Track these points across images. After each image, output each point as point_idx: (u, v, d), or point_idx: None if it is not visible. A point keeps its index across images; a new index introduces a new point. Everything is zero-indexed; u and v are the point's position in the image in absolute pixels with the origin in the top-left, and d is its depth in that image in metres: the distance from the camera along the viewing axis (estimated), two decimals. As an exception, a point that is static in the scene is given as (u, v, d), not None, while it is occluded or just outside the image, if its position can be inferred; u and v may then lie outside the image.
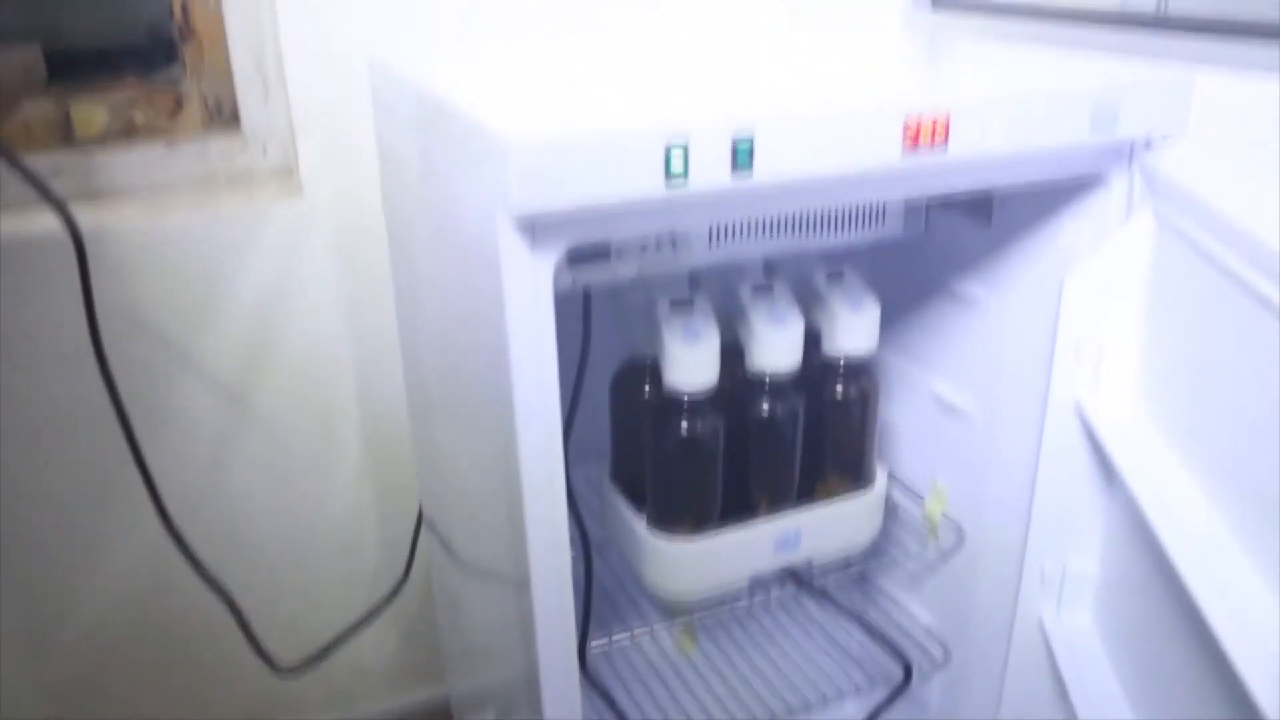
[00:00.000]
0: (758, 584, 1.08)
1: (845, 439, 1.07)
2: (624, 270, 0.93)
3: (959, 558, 1.13)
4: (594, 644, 1.01)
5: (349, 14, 1.18)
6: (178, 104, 1.24)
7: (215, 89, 1.25)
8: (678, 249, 0.95)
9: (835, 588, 1.26)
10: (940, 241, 1.08)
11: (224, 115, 1.26)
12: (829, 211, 1.00)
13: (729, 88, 0.84)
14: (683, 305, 0.96)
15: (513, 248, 0.70)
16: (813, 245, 1.02)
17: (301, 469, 1.34)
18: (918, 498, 1.18)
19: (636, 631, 1.06)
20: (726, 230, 0.97)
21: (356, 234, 1.25)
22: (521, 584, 0.83)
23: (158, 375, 1.23)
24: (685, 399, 0.95)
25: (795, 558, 1.06)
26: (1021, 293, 0.99)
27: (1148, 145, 0.85)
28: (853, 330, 1.01)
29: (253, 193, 1.24)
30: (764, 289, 1.00)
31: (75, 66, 1.21)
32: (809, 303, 1.02)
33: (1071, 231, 0.92)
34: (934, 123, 0.74)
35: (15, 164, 0.87)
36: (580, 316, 0.99)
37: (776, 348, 0.98)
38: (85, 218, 1.01)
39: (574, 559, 0.84)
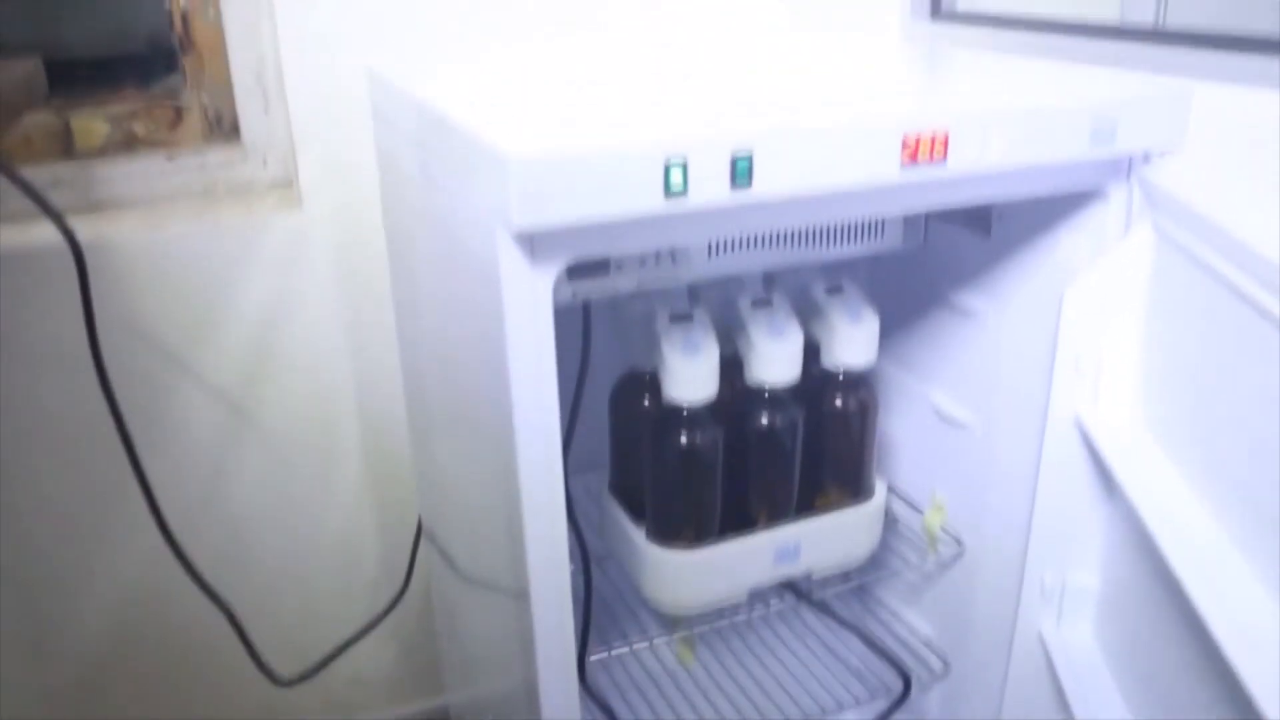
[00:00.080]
0: (757, 596, 1.08)
1: (844, 451, 1.07)
2: (624, 283, 0.93)
3: (958, 570, 1.13)
4: (593, 656, 1.01)
5: (349, 26, 1.18)
6: (178, 116, 1.24)
7: (215, 101, 1.25)
8: (677, 262, 0.95)
9: (834, 599, 1.26)
10: (939, 254, 1.08)
11: (224, 127, 1.26)
12: (828, 224, 1.00)
13: (728, 102, 0.84)
14: (682, 318, 0.96)
15: (512, 262, 0.70)
16: (812, 258, 1.02)
17: (301, 480, 1.34)
18: (917, 510, 1.18)
19: (636, 643, 1.06)
20: (726, 243, 0.97)
21: (356, 246, 1.25)
22: (521, 596, 0.83)
23: (157, 387, 1.23)
24: (685, 411, 0.95)
25: (795, 570, 1.06)
26: (1020, 305, 0.99)
27: (1146, 159, 0.85)
28: (852, 343, 1.01)
29: (253, 205, 1.24)
30: (763, 302, 1.00)
31: (75, 77, 1.22)
32: (808, 315, 1.02)
33: (1070, 244, 0.92)
34: (933, 138, 0.74)
35: (13, 176, 0.87)
36: (580, 329, 0.99)
37: (776, 360, 0.98)
38: (85, 229, 1.01)
39: (573, 571, 0.84)
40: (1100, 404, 0.89)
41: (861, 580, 1.20)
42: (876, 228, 1.04)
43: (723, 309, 1.01)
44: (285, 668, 1.24)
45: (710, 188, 0.70)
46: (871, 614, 1.28)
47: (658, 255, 0.94)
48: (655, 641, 1.09)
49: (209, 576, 1.11)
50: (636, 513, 1.04)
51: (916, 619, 1.22)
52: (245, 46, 1.23)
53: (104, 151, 1.22)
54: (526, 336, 0.72)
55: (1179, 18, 1.17)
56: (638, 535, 1.02)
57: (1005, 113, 0.78)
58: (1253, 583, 0.70)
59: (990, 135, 0.77)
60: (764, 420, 1.01)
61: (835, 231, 1.02)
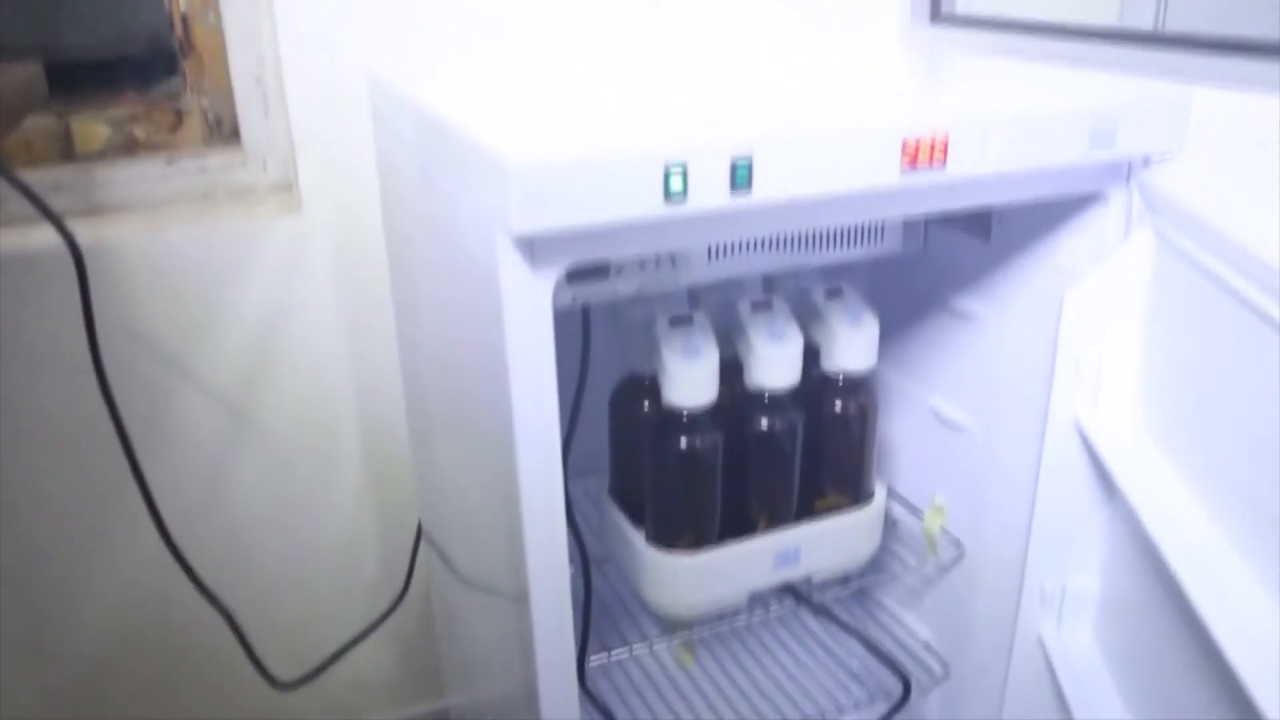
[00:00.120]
0: (757, 600, 1.08)
1: (844, 455, 1.07)
2: (623, 287, 0.93)
3: (958, 573, 1.13)
4: (593, 659, 1.01)
5: (349, 29, 1.19)
6: (178, 119, 1.24)
7: (215, 104, 1.25)
8: (677, 266, 0.95)
9: (834, 603, 1.26)
10: (939, 257, 1.08)
11: (224, 131, 1.26)
12: (828, 228, 1.00)
13: (727, 106, 0.84)
14: (682, 321, 0.96)
15: (512, 266, 0.70)
16: (812, 261, 1.02)
17: (301, 483, 1.34)
18: (917, 513, 1.18)
19: (635, 647, 1.06)
20: (725, 247, 0.97)
21: (356, 249, 1.25)
22: (520, 599, 0.83)
23: (157, 390, 1.23)
24: (684, 415, 0.95)
25: (794, 573, 1.06)
26: (1020, 308, 0.99)
27: (1146, 163, 0.85)
28: (851, 346, 1.01)
29: (253, 208, 1.25)
30: (763, 305, 1.00)
31: (76, 80, 1.22)
32: (808, 319, 1.02)
33: (1070, 248, 0.92)
34: (932, 143, 0.74)
35: (12, 180, 0.87)
36: (580, 332, 0.99)
37: (775, 364, 0.98)
38: (86, 233, 1.01)
39: (573, 574, 0.84)
40: (1100, 407, 0.89)
41: (861, 584, 1.20)
42: (876, 231, 1.04)
43: (722, 313, 1.01)
44: (285, 671, 1.24)
45: (710, 192, 0.70)
46: (871, 617, 1.28)
47: (657, 259, 0.94)
48: (655, 645, 1.09)
49: (208, 579, 1.11)
50: (636, 516, 1.04)
51: (916, 622, 1.22)
52: (245, 50, 1.23)
53: (104, 155, 1.22)
54: (526, 340, 0.72)
55: (1178, 22, 1.17)
56: (637, 539, 1.02)
57: (1005, 117, 0.78)
58: (1253, 585, 0.70)
59: (990, 139, 0.77)
60: (764, 424, 1.01)
61: (835, 235, 1.02)
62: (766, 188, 0.71)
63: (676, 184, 0.68)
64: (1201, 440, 0.78)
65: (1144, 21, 1.21)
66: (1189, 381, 0.80)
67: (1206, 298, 0.75)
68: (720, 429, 0.98)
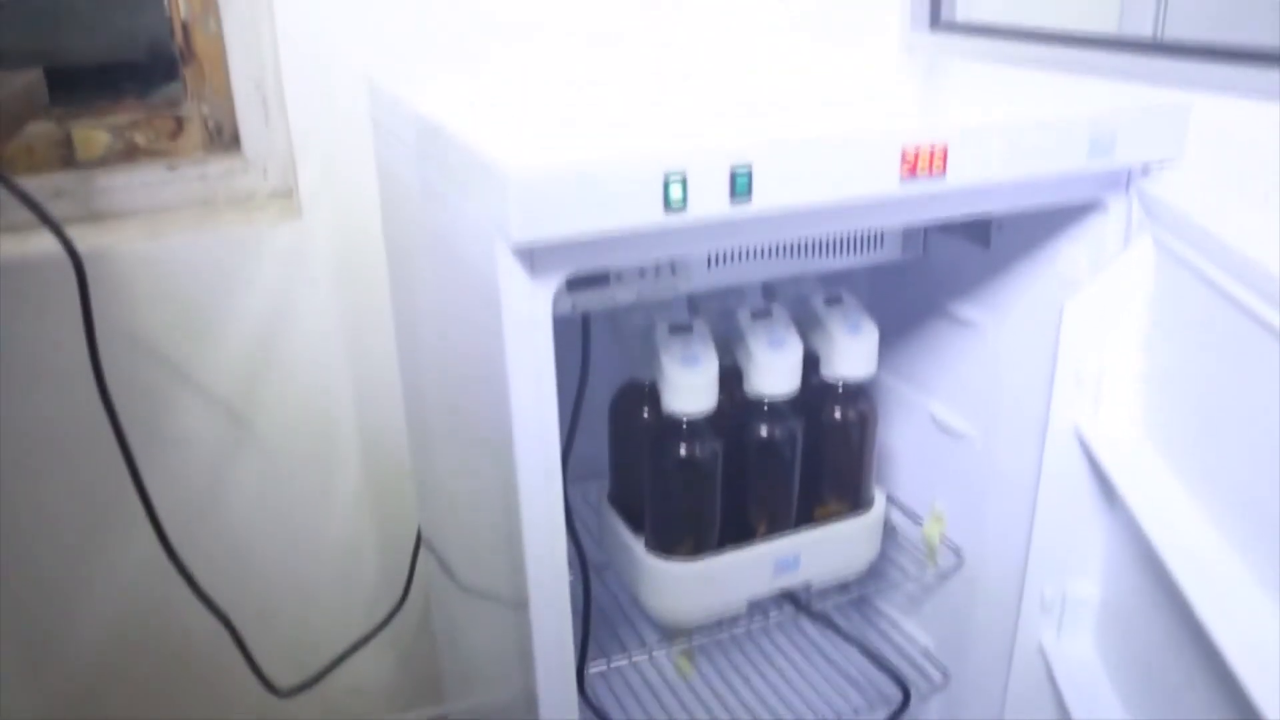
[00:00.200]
0: (756, 607, 1.08)
1: (844, 462, 1.07)
2: (623, 295, 0.93)
3: (958, 580, 1.13)
4: (592, 666, 1.01)
5: (349, 36, 1.19)
6: (178, 126, 1.24)
7: (216, 111, 1.25)
8: (677, 274, 0.95)
9: (834, 610, 1.26)
10: (939, 265, 1.09)
11: (224, 137, 1.26)
12: (827, 236, 1.00)
13: (727, 115, 0.84)
14: (681, 329, 0.96)
15: (512, 275, 0.70)
16: (811, 269, 1.02)
17: (300, 490, 1.34)
18: (916, 521, 1.18)
19: (635, 654, 1.06)
20: (725, 255, 0.97)
21: (356, 256, 1.25)
22: (520, 606, 0.83)
23: (157, 397, 1.23)
24: (684, 422, 0.95)
25: (794, 581, 1.06)
26: (1020, 316, 0.99)
27: (1145, 171, 0.85)
28: (851, 354, 1.01)
29: (253, 215, 1.25)
30: (762, 313, 1.00)
31: (76, 85, 1.22)
32: (807, 326, 1.02)
33: (1070, 256, 0.92)
34: (932, 151, 0.74)
35: (12, 187, 0.88)
36: (579, 339, 0.99)
37: (775, 371, 0.98)
38: (86, 239, 1.01)
39: (572, 581, 0.84)
40: (1100, 415, 0.89)
41: (861, 591, 1.20)
42: (876, 238, 1.05)
43: (722, 320, 1.01)
44: (284, 678, 1.24)
45: (710, 201, 0.70)
46: (871, 625, 1.27)
47: (657, 267, 0.94)
48: (655, 652, 1.09)
49: (208, 586, 1.11)
50: (636, 523, 1.03)
51: (916, 630, 1.22)
52: (245, 56, 1.23)
53: (105, 161, 1.22)
54: (526, 348, 0.72)
55: (1177, 29, 1.17)
56: (637, 546, 1.02)
57: (1004, 126, 0.78)
58: (1256, 591, 0.70)
59: (989, 148, 0.77)
60: (763, 431, 1.01)
61: (834, 243, 1.02)
62: (766, 197, 0.71)
63: (676, 193, 0.68)
64: (1203, 447, 0.78)
65: (1143, 29, 1.21)
66: (1190, 389, 0.80)
67: (1207, 306, 0.75)
68: (720, 436, 0.98)
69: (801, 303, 1.04)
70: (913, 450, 1.18)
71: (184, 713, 1.38)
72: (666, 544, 1.00)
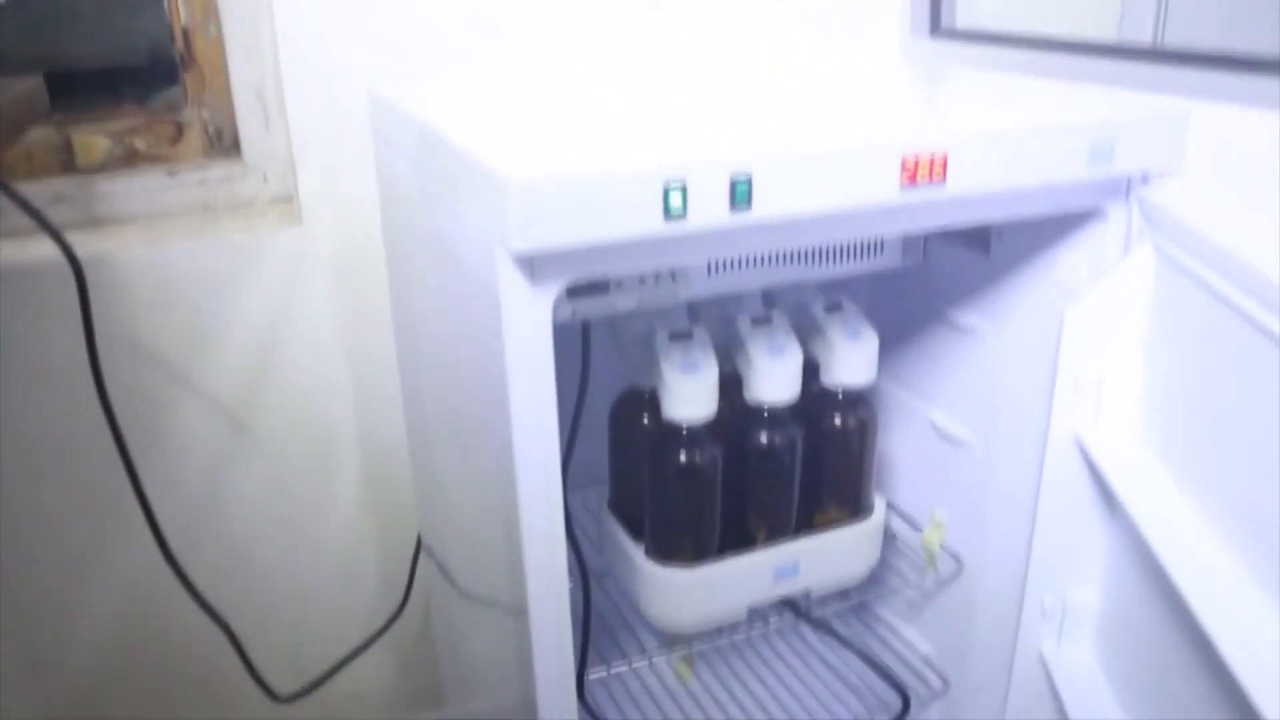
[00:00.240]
0: (756, 614, 1.08)
1: (844, 469, 1.07)
2: (623, 303, 0.93)
3: (958, 588, 1.13)
4: (592, 673, 1.01)
5: (350, 41, 1.19)
6: (179, 132, 1.25)
7: (216, 117, 1.25)
8: (677, 281, 0.95)
9: (834, 617, 1.26)
10: (939, 272, 1.09)
11: (225, 143, 1.26)
12: (827, 243, 1.00)
13: (727, 123, 0.84)
14: (681, 336, 0.96)
15: (512, 283, 0.70)
16: (811, 276, 1.02)
17: (300, 496, 1.34)
18: (916, 528, 1.18)
19: (635, 661, 1.06)
20: (725, 262, 0.97)
21: (356, 262, 1.25)
22: (520, 613, 0.83)
23: (156, 402, 1.23)
24: (684, 429, 0.95)
25: (794, 588, 1.05)
26: (1020, 323, 0.99)
27: (1145, 179, 0.85)
28: (851, 361, 1.01)
29: (253, 221, 1.25)
30: (762, 320, 1.00)
31: (76, 91, 1.22)
32: (807, 333, 1.02)
33: (1070, 264, 0.92)
34: (931, 160, 0.74)
35: (11, 193, 0.88)
36: (579, 346, 0.99)
37: (775, 378, 0.98)
38: (86, 245, 1.01)
39: (572, 588, 0.84)
40: (1101, 423, 0.89)
41: (861, 598, 1.20)
42: (876, 246, 1.05)
43: (722, 327, 1.01)
44: (284, 684, 1.24)
45: (710, 210, 0.70)
46: (871, 632, 1.27)
47: (657, 274, 0.94)
48: (654, 659, 1.09)
49: (207, 593, 1.11)
50: (635, 530, 1.03)
51: (916, 637, 1.22)
52: (246, 63, 1.23)
53: (105, 167, 1.22)
54: (526, 356, 0.72)
55: (1177, 36, 1.17)
56: (637, 553, 1.02)
57: (1004, 134, 0.78)
58: (1257, 598, 0.70)
59: (989, 156, 0.77)
60: (763, 438, 1.01)
61: (834, 250, 1.02)
62: (766, 205, 0.71)
63: (676, 202, 0.68)
64: (1203, 454, 0.78)
65: (1143, 36, 1.21)
66: (1190, 396, 0.80)
67: (1207, 313, 0.75)
68: (720, 443, 0.98)
69: (802, 310, 1.04)
70: (913, 457, 1.18)
71: (183, 718, 1.38)
72: (666, 551, 1.00)
